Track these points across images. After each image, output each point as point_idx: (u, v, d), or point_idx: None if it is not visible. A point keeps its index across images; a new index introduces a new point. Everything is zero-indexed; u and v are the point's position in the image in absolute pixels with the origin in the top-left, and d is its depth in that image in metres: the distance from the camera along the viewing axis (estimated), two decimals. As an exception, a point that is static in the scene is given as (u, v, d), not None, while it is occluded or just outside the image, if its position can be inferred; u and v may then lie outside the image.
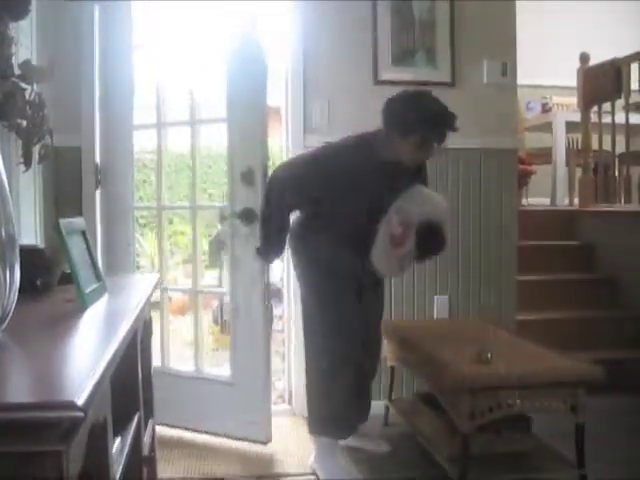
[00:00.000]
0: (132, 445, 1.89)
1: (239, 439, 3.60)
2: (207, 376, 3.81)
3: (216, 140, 4.30)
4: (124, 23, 3.83)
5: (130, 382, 2.05)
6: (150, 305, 2.59)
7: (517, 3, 4.25)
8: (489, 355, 2.92)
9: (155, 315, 3.07)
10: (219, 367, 4.41)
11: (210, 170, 9.46)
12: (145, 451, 2.21)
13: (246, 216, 3.56)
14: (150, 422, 2.51)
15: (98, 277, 2.04)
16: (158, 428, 2.88)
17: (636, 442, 3.65)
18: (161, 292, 4.00)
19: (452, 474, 2.87)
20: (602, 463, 3.20)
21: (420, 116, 3.02)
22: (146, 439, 2.29)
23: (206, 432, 3.68)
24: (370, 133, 3.14)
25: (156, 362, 3.17)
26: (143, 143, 4.13)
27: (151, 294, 2.42)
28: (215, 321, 6.61)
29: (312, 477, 3.18)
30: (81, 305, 1.78)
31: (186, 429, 3.74)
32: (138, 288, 2.40)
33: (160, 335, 3.86)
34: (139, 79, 3.94)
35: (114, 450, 1.67)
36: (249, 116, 3.53)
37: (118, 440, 1.80)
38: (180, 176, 9.20)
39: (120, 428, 1.88)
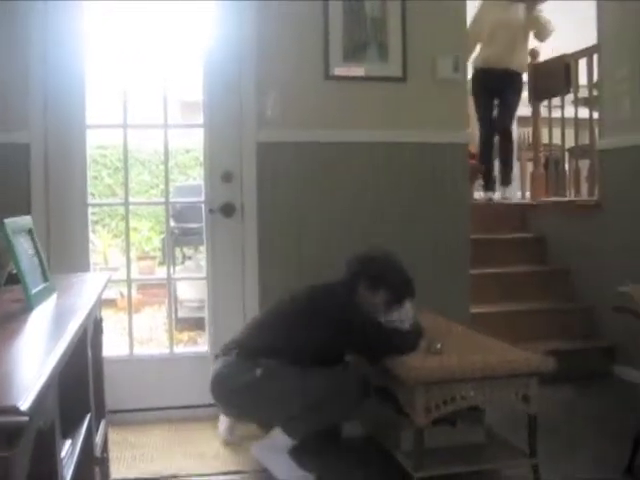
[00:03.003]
0: (83, 447, 1.87)
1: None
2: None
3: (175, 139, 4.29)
4: (76, 20, 3.77)
5: (80, 383, 2.02)
6: (101, 303, 2.56)
7: (468, -1, 4.29)
8: (438, 346, 2.96)
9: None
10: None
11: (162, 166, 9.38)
12: (97, 452, 2.19)
13: (226, 210, 3.84)
14: (102, 422, 2.49)
15: (46, 277, 2.01)
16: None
17: (586, 431, 3.71)
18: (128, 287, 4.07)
19: (407, 467, 2.88)
20: (554, 452, 3.26)
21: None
22: (98, 440, 2.26)
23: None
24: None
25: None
26: (91, 139, 4.08)
27: (101, 292, 2.39)
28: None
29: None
30: (28, 306, 1.75)
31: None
32: (88, 287, 2.37)
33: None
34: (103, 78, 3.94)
35: (64, 453, 1.65)
36: (224, 121, 3.79)
37: (68, 442, 1.78)
38: (132, 172, 9.14)
39: (70, 430, 1.86)
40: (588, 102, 5.73)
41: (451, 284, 4.20)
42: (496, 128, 6.37)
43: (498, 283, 5.13)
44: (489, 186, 6.50)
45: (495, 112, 6.41)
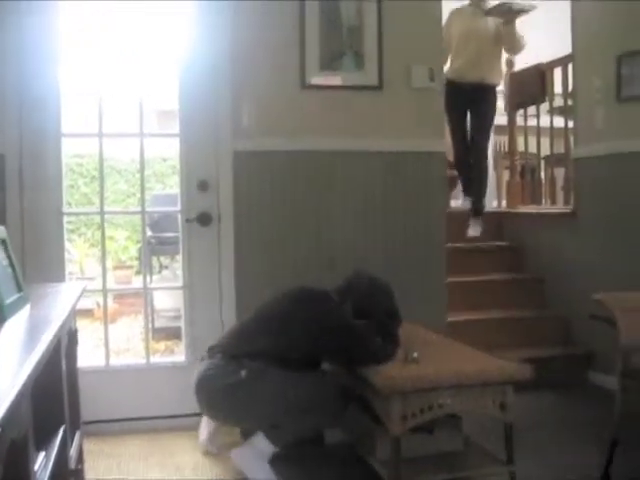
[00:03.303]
0: (57, 459, 1.85)
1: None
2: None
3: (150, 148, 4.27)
4: (51, 27, 3.76)
5: (55, 394, 2.00)
6: (76, 313, 2.54)
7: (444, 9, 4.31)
8: (415, 354, 2.96)
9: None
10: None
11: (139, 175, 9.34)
12: (71, 464, 2.17)
13: (202, 219, 3.88)
14: (77, 434, 2.47)
15: (20, 287, 1.99)
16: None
17: (563, 437, 3.73)
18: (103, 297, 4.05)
19: (384, 476, 2.88)
20: (530, 459, 3.27)
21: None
22: (72, 452, 2.24)
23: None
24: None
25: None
26: (67, 148, 4.06)
27: (76, 303, 2.37)
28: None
29: None
30: (1, 316, 1.73)
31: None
32: (63, 297, 2.36)
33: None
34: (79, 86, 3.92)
35: (37, 465, 1.63)
36: (200, 130, 3.85)
37: (42, 454, 1.76)
38: (109, 181, 9.10)
39: (44, 442, 1.84)
40: (563, 111, 5.78)
41: (427, 292, 4.21)
42: (470, 148, 5.96)
43: (474, 291, 5.15)
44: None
45: (468, 127, 6.04)
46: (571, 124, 5.30)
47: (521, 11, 5.57)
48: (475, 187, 5.93)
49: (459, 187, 6.34)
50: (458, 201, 6.53)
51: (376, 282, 3.30)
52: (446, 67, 5.79)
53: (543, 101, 6.09)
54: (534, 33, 6.22)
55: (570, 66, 5.29)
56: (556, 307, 5.21)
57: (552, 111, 5.91)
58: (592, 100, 4.80)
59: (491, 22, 5.78)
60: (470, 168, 6.02)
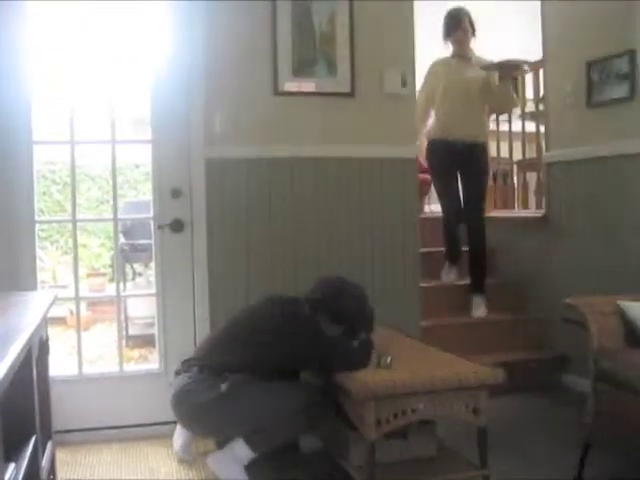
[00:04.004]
0: (28, 470, 1.83)
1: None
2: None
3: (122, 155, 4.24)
4: (19, 33, 3.72)
5: (25, 403, 1.98)
6: (47, 322, 2.52)
7: (418, 12, 4.32)
8: (388, 360, 2.97)
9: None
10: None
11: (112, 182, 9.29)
12: (43, 475, 2.15)
13: (175, 226, 3.88)
14: (49, 444, 2.44)
15: (-11, 297, 1.98)
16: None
17: (537, 440, 3.75)
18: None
19: (359, 482, 2.89)
20: (504, 462, 3.29)
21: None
22: (44, 462, 2.22)
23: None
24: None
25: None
26: (40, 155, 4.02)
27: (47, 311, 2.35)
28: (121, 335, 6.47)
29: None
30: (-31, 327, 1.72)
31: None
32: (34, 305, 2.34)
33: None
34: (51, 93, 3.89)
35: (7, 477, 1.62)
36: (173, 137, 3.87)
37: (12, 466, 1.74)
38: (82, 188, 9.04)
39: (14, 452, 1.82)
40: (535, 116, 5.83)
41: (401, 297, 4.22)
42: (464, 219, 5.25)
43: (448, 296, 5.17)
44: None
45: (460, 188, 5.33)
46: (543, 129, 5.34)
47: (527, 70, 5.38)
48: (476, 265, 5.18)
49: (432, 192, 6.31)
50: (431, 206, 6.54)
51: (347, 286, 3.31)
52: (429, 122, 5.45)
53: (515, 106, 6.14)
54: (507, 39, 6.27)
55: (541, 71, 5.33)
56: (530, 311, 5.24)
57: (524, 116, 5.95)
58: (563, 105, 4.85)
59: (478, 74, 5.13)
60: (457, 235, 5.34)
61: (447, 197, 5.34)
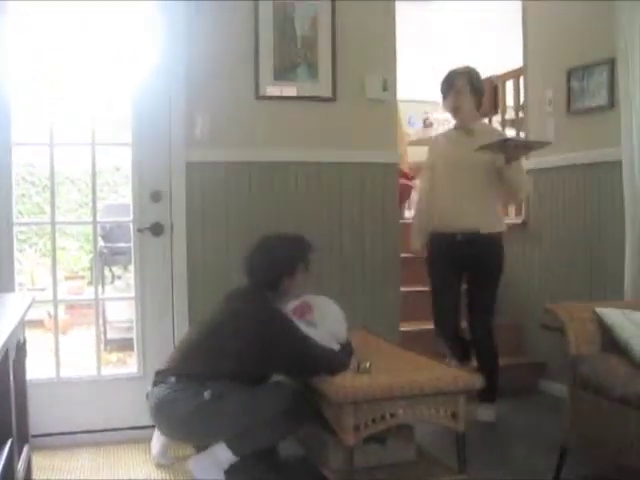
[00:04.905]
0: (3, 474, 1.81)
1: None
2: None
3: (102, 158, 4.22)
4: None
5: (1, 407, 1.97)
6: (25, 325, 2.50)
7: (400, 18, 4.33)
8: (367, 365, 2.98)
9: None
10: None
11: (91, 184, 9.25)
12: (19, 479, 2.13)
13: (154, 230, 3.88)
14: (25, 447, 2.43)
15: (-35, 299, 1.96)
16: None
17: (515, 445, 3.77)
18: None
19: (338, 487, 2.88)
20: (483, 467, 3.31)
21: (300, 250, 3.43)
22: (20, 466, 2.21)
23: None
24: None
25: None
26: (19, 157, 3.99)
27: (25, 314, 2.34)
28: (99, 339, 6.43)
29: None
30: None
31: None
32: (11, 308, 2.32)
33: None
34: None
35: (-19, 480, 1.60)
36: (153, 140, 3.85)
37: (-13, 469, 1.73)
38: (62, 190, 8.97)
39: (-11, 456, 1.81)
40: (515, 123, 5.86)
41: (381, 302, 4.23)
42: (471, 331, 4.31)
43: (428, 301, 5.16)
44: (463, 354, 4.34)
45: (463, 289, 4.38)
46: (523, 136, 5.37)
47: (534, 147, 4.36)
48: (484, 369, 3.95)
49: (412, 197, 6.31)
50: (411, 211, 6.53)
51: (255, 248, 3.44)
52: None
53: (495, 113, 6.17)
54: (488, 46, 6.30)
55: (521, 79, 5.37)
56: (508, 316, 5.25)
57: (504, 123, 5.99)
58: (543, 113, 4.88)
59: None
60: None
61: (437, 306, 4.36)
